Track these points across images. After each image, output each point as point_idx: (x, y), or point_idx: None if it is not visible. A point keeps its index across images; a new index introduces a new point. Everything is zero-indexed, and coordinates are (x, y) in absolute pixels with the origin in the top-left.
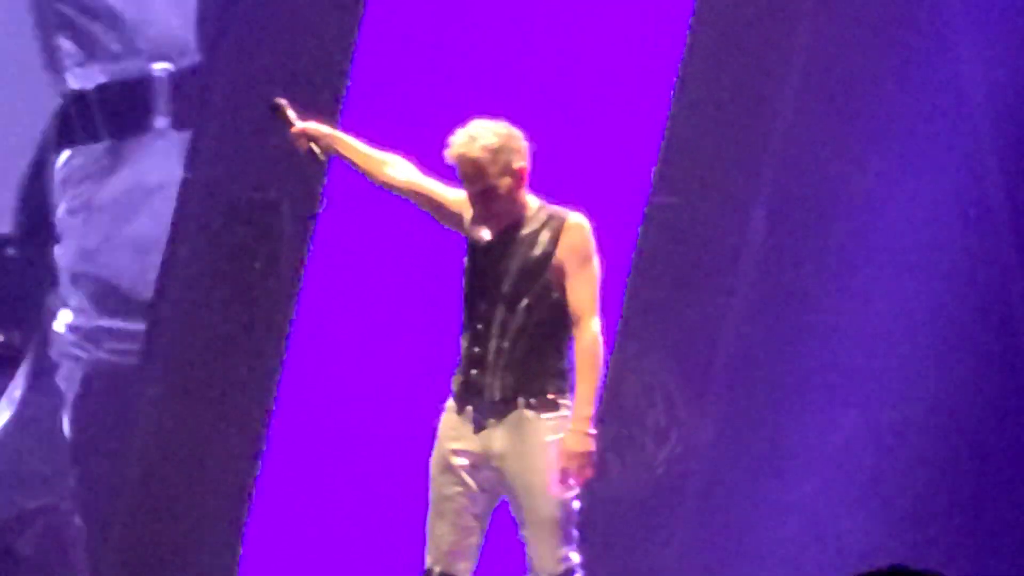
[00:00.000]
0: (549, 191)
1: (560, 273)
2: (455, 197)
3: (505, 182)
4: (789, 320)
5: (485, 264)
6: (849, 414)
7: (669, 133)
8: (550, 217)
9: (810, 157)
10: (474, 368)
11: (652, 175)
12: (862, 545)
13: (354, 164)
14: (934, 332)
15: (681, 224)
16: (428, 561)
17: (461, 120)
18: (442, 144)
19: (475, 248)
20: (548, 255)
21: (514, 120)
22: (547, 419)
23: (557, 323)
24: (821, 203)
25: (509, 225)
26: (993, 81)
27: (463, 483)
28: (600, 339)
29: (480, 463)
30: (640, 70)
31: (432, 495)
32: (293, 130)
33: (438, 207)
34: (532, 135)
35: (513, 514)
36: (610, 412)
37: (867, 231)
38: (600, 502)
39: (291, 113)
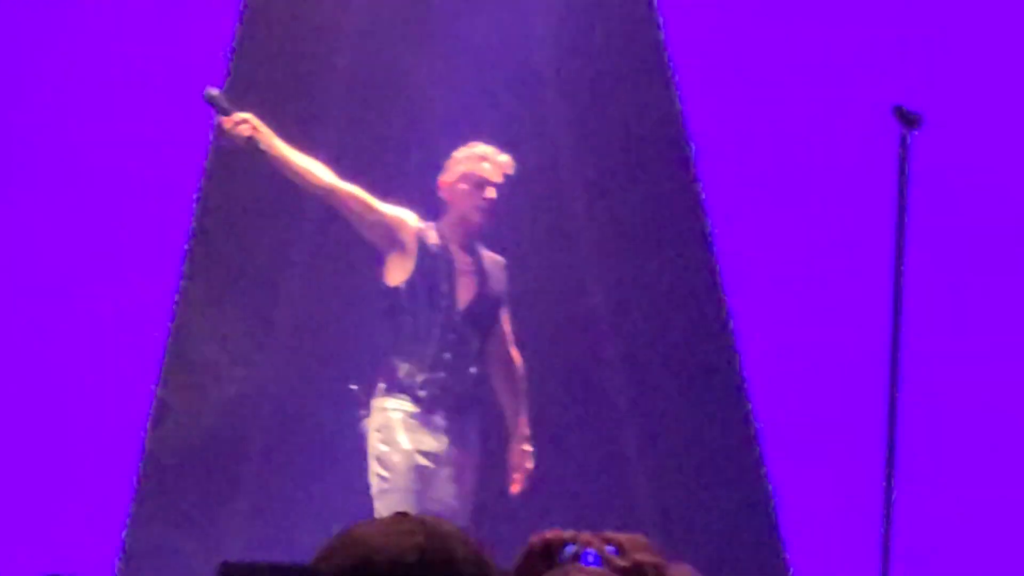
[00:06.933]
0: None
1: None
2: (391, 212)
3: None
4: (349, 259)
5: (458, 285)
6: None
7: (231, 73)
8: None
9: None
10: (443, 372)
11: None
12: None
13: (288, 164)
14: None
15: (243, 168)
16: None
17: None
18: None
19: (453, 266)
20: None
21: None
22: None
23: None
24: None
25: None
26: None
27: (423, 481)
28: None
29: (436, 465)
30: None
31: (400, 489)
32: (233, 116)
33: (374, 215)
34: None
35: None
36: (176, 359)
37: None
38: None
39: (226, 103)
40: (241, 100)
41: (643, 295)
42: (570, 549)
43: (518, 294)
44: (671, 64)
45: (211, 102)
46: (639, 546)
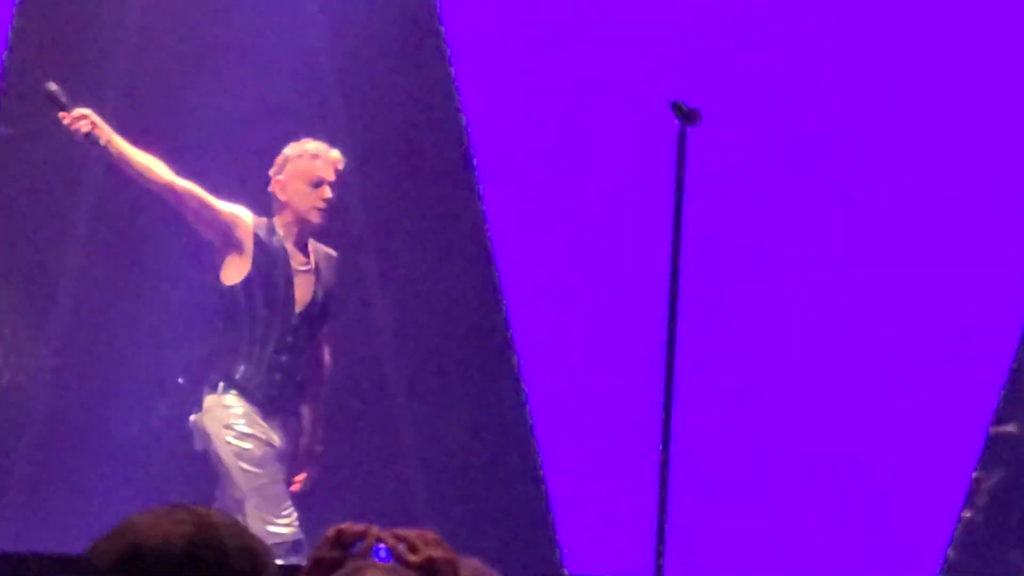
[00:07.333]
0: None
1: None
2: (228, 209)
3: None
4: (128, 252)
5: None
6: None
7: (8, 63)
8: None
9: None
10: (279, 374)
11: None
12: None
13: (127, 160)
14: None
15: (22, 155)
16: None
17: None
18: None
19: (290, 267)
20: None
21: None
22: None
23: None
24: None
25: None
26: None
27: (279, 472)
28: None
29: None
30: None
31: (277, 481)
32: (74, 112)
33: (210, 213)
34: None
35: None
36: None
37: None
38: None
39: (64, 99)
40: (16, 102)
41: (422, 295)
42: (360, 544)
43: None
44: (451, 61)
45: (50, 97)
46: (430, 542)
